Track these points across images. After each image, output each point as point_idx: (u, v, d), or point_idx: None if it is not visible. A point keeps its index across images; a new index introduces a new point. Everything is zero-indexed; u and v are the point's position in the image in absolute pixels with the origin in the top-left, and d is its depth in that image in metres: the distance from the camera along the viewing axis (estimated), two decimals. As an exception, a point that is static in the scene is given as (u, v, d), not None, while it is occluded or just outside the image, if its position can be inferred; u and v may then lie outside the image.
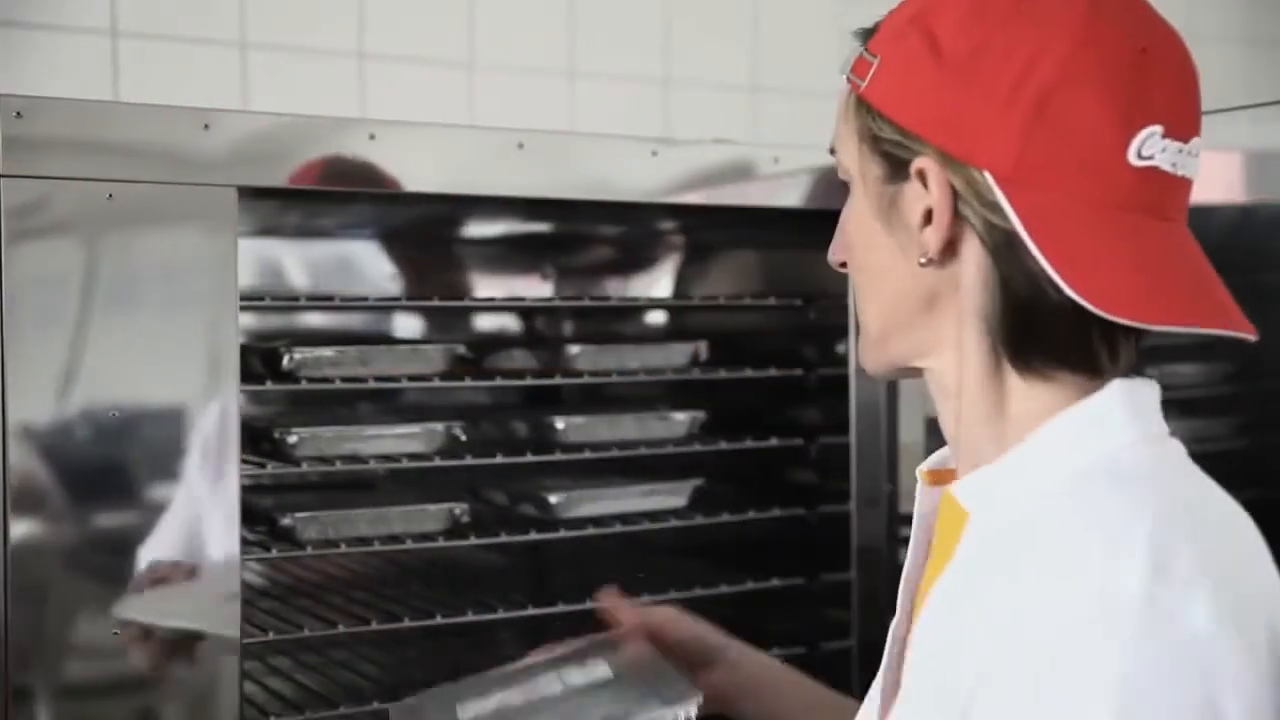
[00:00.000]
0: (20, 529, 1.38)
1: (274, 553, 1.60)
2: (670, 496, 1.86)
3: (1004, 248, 0.94)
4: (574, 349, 1.80)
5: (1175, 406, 1.80)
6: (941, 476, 1.08)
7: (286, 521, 1.63)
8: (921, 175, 0.96)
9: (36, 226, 1.40)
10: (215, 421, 1.48)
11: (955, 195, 0.95)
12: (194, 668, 1.46)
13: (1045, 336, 0.95)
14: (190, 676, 1.46)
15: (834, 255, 1.09)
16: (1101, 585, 0.85)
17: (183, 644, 1.46)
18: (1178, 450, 0.99)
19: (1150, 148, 0.93)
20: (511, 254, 2.08)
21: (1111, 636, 0.83)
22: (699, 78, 2.46)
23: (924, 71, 0.95)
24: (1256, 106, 1.73)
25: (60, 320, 1.41)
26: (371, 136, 1.56)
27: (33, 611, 1.39)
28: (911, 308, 1.00)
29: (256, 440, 1.63)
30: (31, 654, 1.39)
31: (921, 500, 1.09)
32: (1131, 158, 0.93)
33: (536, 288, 2.11)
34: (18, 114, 1.39)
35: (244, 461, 1.51)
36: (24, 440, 1.39)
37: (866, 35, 1.02)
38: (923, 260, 0.97)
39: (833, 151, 1.05)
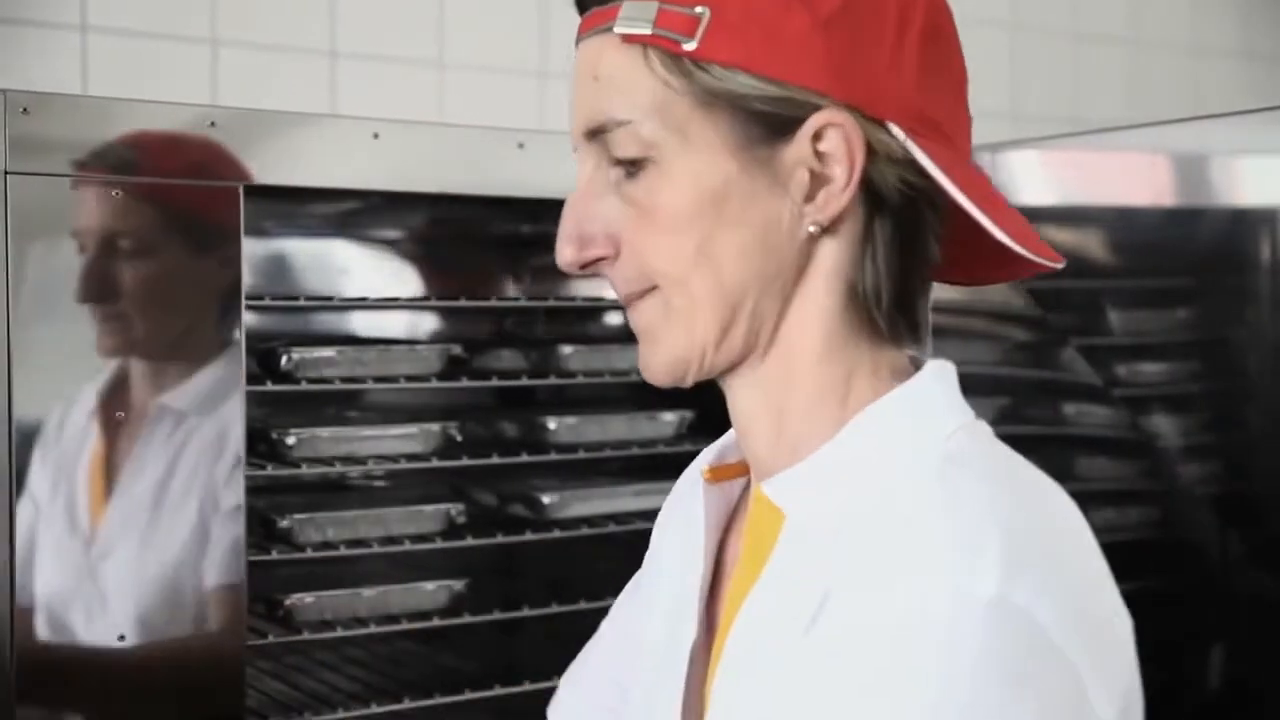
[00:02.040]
0: (26, 529, 1.36)
1: (274, 554, 1.58)
2: (660, 496, 1.86)
3: (906, 206, 0.87)
4: (566, 349, 1.80)
5: (1142, 404, 1.87)
6: (723, 473, 0.99)
7: (285, 523, 1.61)
8: (818, 135, 0.85)
9: (43, 224, 1.38)
10: (221, 422, 1.47)
11: (870, 152, 0.85)
12: (199, 671, 1.45)
13: (917, 298, 0.90)
14: (195, 680, 1.45)
15: (581, 250, 0.90)
16: (955, 585, 0.77)
17: (187, 647, 1.45)
18: (988, 433, 0.91)
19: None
20: (502, 254, 2.07)
21: (967, 636, 0.76)
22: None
23: (794, 20, 0.84)
24: (1206, 118, 1.78)
25: (66, 318, 1.39)
26: (375, 136, 1.55)
27: (38, 615, 1.37)
28: (758, 294, 0.87)
29: (253, 441, 1.62)
30: (37, 658, 1.37)
31: (706, 501, 0.98)
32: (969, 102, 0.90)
33: (526, 288, 2.11)
34: (24, 110, 1.37)
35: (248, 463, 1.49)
36: (31, 438, 1.37)
37: None
38: (813, 229, 0.86)
39: (597, 133, 0.88)
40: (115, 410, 1.41)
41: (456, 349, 1.72)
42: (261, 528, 1.61)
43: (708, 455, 1.00)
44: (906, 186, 0.86)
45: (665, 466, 1.89)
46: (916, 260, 0.89)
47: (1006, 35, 2.86)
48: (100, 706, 1.42)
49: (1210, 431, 1.86)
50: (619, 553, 1.89)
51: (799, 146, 0.85)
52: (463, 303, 1.83)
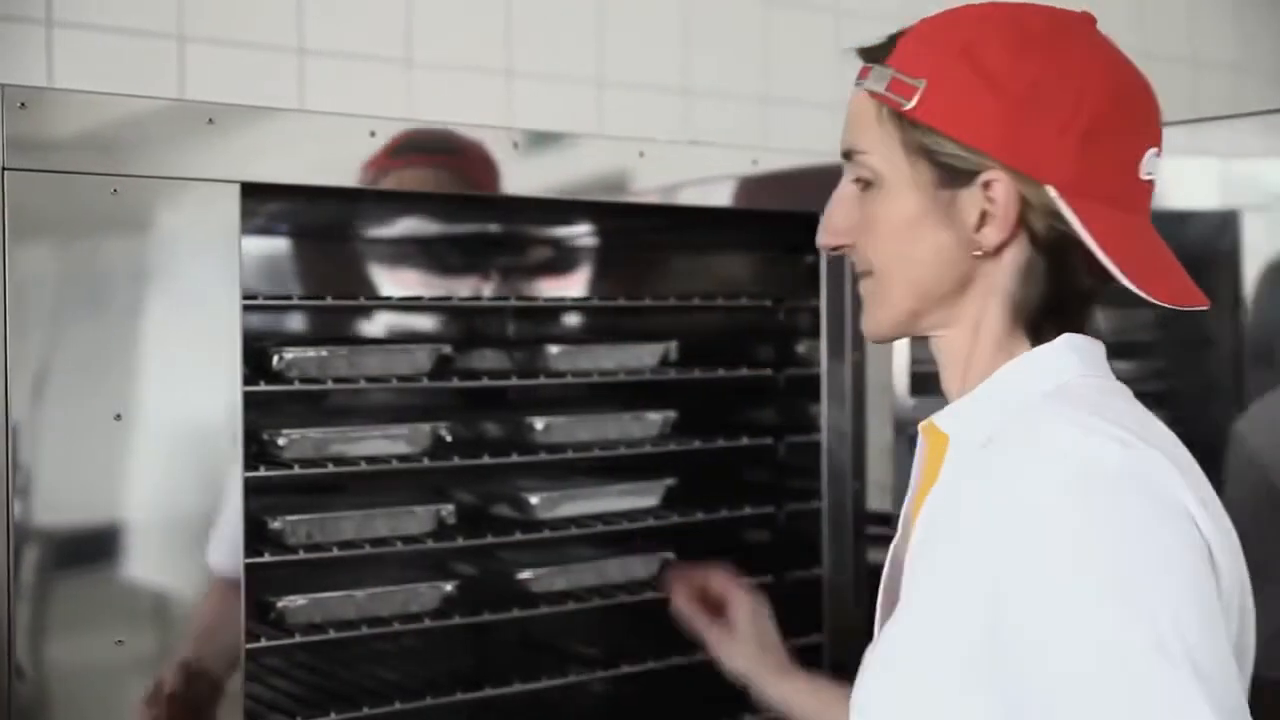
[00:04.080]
0: (23, 532, 1.34)
1: (266, 556, 1.56)
2: (644, 496, 1.88)
3: (1055, 245, 1.15)
4: (553, 349, 1.80)
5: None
6: (931, 424, 1.23)
7: (276, 525, 1.60)
8: (987, 185, 1.14)
9: (41, 221, 1.35)
10: (218, 423, 1.45)
11: (1023, 203, 1.14)
12: (199, 673, 1.43)
13: (1065, 312, 1.18)
14: (195, 682, 1.43)
15: (831, 239, 1.24)
16: (1083, 456, 1.04)
17: (186, 651, 1.43)
18: (1123, 388, 1.18)
19: (1150, 164, 1.17)
20: (490, 254, 2.06)
21: (1099, 495, 1.02)
22: (632, 79, 2.47)
23: (985, 100, 1.13)
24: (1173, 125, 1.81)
25: (64, 317, 1.37)
26: (372, 134, 1.54)
27: (36, 616, 1.35)
28: (945, 290, 1.18)
29: (245, 442, 1.59)
30: (34, 660, 1.34)
31: (920, 449, 1.26)
32: (1141, 173, 1.16)
33: (516, 289, 2.10)
34: (21, 105, 1.34)
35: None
36: (27, 438, 1.34)
37: (879, 53, 1.19)
38: (977, 253, 1.16)
39: (849, 155, 1.21)
40: (113, 413, 1.39)
41: (447, 349, 1.71)
42: (253, 529, 1.59)
43: (933, 416, 1.24)
44: (1056, 233, 1.14)
45: (651, 466, 1.90)
46: (1065, 286, 1.17)
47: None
48: (99, 709, 1.39)
49: (1177, 427, 1.90)
50: (601, 554, 1.89)
51: (973, 193, 1.15)
52: (453, 302, 1.82)
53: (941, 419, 1.20)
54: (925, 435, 1.22)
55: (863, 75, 1.20)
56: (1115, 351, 1.96)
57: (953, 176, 1.15)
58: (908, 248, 1.18)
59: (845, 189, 1.22)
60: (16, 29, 1.97)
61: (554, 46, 2.36)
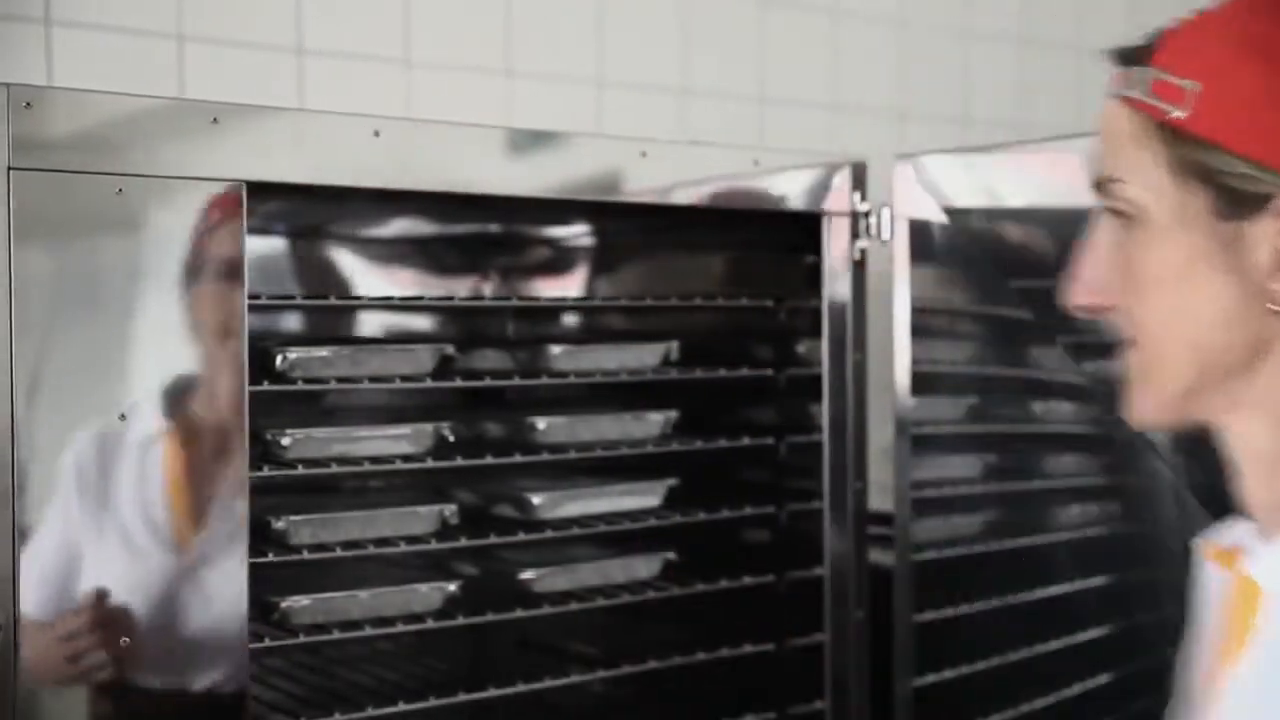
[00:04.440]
0: (29, 530, 1.33)
1: (270, 556, 1.56)
2: (646, 496, 1.88)
3: None
4: (555, 349, 1.80)
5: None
6: (1231, 556, 0.99)
7: (279, 525, 1.60)
8: None
9: (46, 221, 1.35)
10: (223, 423, 1.44)
11: None
12: (203, 674, 1.43)
13: None
14: (199, 683, 1.43)
15: (1087, 297, 0.99)
16: None
17: (190, 651, 1.43)
18: None
19: None
20: (491, 254, 2.06)
21: None
22: (631, 79, 2.47)
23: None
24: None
25: (70, 316, 1.37)
26: (376, 133, 1.54)
27: (41, 615, 1.34)
28: (1234, 358, 0.93)
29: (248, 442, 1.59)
30: (39, 660, 1.34)
31: (1207, 581, 1.02)
32: None
33: (512, 288, 2.10)
34: (27, 104, 1.34)
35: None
36: (33, 438, 1.34)
37: (1140, 56, 0.96)
38: (1275, 307, 0.90)
39: (1101, 185, 0.98)
40: (118, 413, 1.39)
41: (449, 349, 1.71)
42: (257, 530, 1.59)
43: (1222, 535, 1.02)
44: None
45: (652, 466, 1.91)
46: None
47: (959, 44, 2.90)
48: (103, 709, 1.39)
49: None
50: (600, 555, 1.90)
51: (1264, 226, 0.90)
52: (455, 302, 1.82)
53: (1254, 563, 0.95)
54: (1226, 572, 0.98)
55: (1118, 82, 0.97)
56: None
57: (1237, 204, 0.90)
58: (1181, 301, 0.92)
59: (1103, 231, 0.97)
60: (15, 28, 1.97)
61: (554, 46, 2.36)
